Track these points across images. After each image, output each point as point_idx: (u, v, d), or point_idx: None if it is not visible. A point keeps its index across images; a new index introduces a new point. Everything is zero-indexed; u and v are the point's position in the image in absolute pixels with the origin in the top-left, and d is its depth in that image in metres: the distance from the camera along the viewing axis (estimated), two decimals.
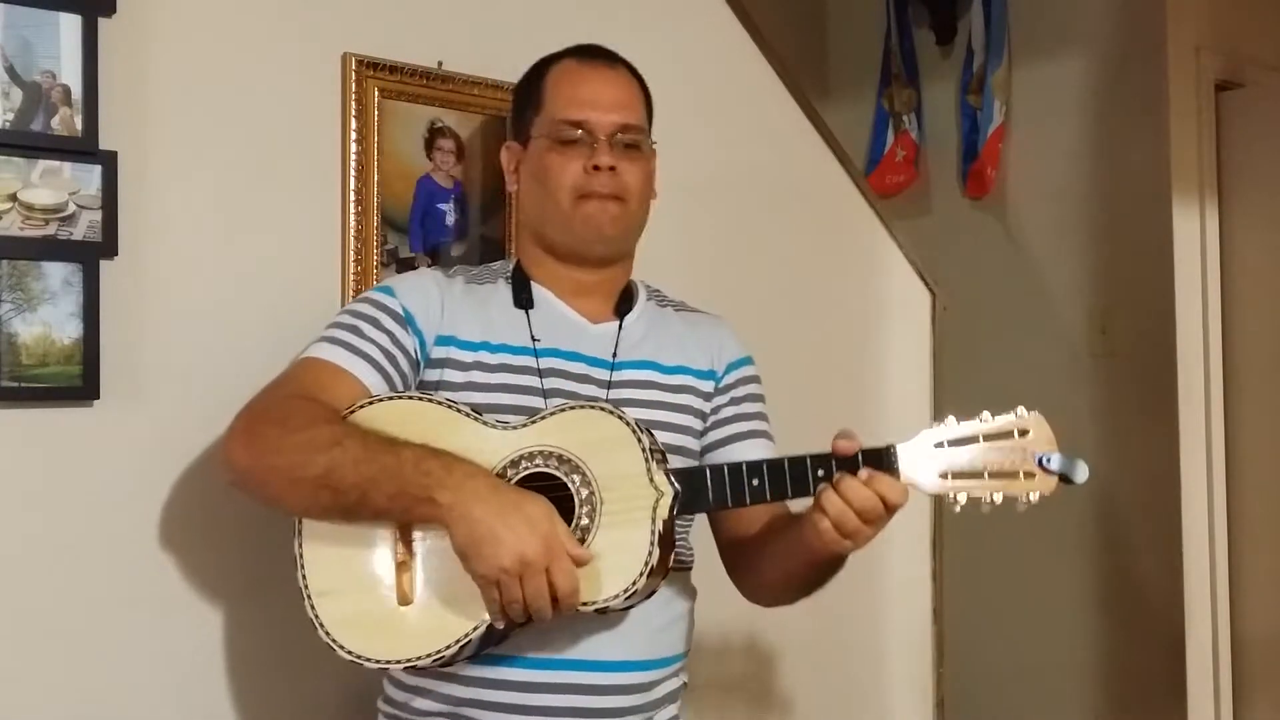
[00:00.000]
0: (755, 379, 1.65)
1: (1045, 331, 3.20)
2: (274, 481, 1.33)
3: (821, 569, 1.48)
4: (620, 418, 1.39)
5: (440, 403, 1.40)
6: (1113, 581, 3.11)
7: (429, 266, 1.54)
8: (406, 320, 1.47)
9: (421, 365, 1.47)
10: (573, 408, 1.41)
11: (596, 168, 1.51)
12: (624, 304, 1.59)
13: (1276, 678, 3.13)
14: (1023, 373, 3.11)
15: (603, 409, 1.40)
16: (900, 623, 2.58)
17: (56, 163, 1.52)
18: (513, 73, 1.84)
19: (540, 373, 1.48)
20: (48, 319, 1.51)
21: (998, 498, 1.38)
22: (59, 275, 1.52)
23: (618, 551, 1.33)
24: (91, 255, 1.54)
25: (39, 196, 1.51)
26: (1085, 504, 3.14)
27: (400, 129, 1.84)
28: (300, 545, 1.36)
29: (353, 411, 1.38)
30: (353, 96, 1.78)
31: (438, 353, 1.47)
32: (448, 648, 1.32)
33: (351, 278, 1.77)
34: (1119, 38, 3.12)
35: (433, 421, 1.37)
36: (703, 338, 1.62)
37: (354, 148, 1.78)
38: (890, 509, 1.34)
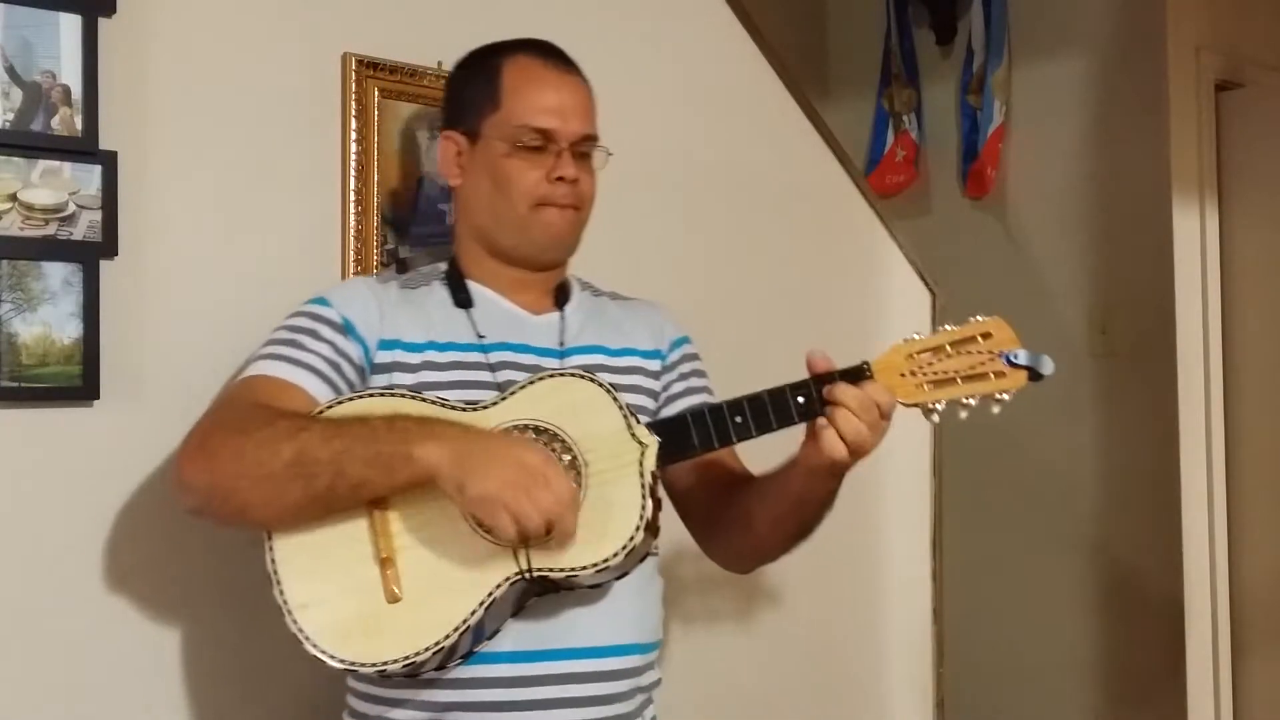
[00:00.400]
0: (697, 356, 1.67)
1: (1045, 331, 3.18)
2: (240, 488, 1.28)
3: (815, 504, 1.46)
4: (592, 380, 1.38)
5: (403, 394, 1.38)
6: (1113, 581, 3.10)
7: (379, 272, 1.53)
8: (346, 328, 1.44)
9: (367, 372, 1.45)
10: (541, 379, 1.40)
11: (561, 179, 1.50)
12: (560, 296, 1.59)
13: (1276, 677, 3.13)
14: None
15: (572, 374, 1.40)
16: (900, 623, 2.58)
17: (56, 163, 1.52)
18: None
19: (491, 367, 1.47)
20: (48, 319, 1.51)
21: (973, 400, 1.40)
22: (59, 275, 1.52)
23: (610, 510, 1.32)
24: (91, 255, 1.54)
25: (39, 196, 1.51)
26: (1085, 504, 3.15)
27: (400, 129, 1.84)
28: (273, 560, 1.31)
29: (318, 414, 1.35)
30: (353, 96, 1.78)
31: (382, 357, 1.45)
32: (446, 637, 1.28)
33: (352, 278, 1.76)
34: (1119, 38, 3.12)
35: (400, 411, 1.35)
36: (642, 319, 1.63)
37: (354, 148, 1.78)
38: (884, 416, 1.36)
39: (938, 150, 3.50)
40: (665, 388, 1.60)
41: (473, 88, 1.55)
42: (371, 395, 1.39)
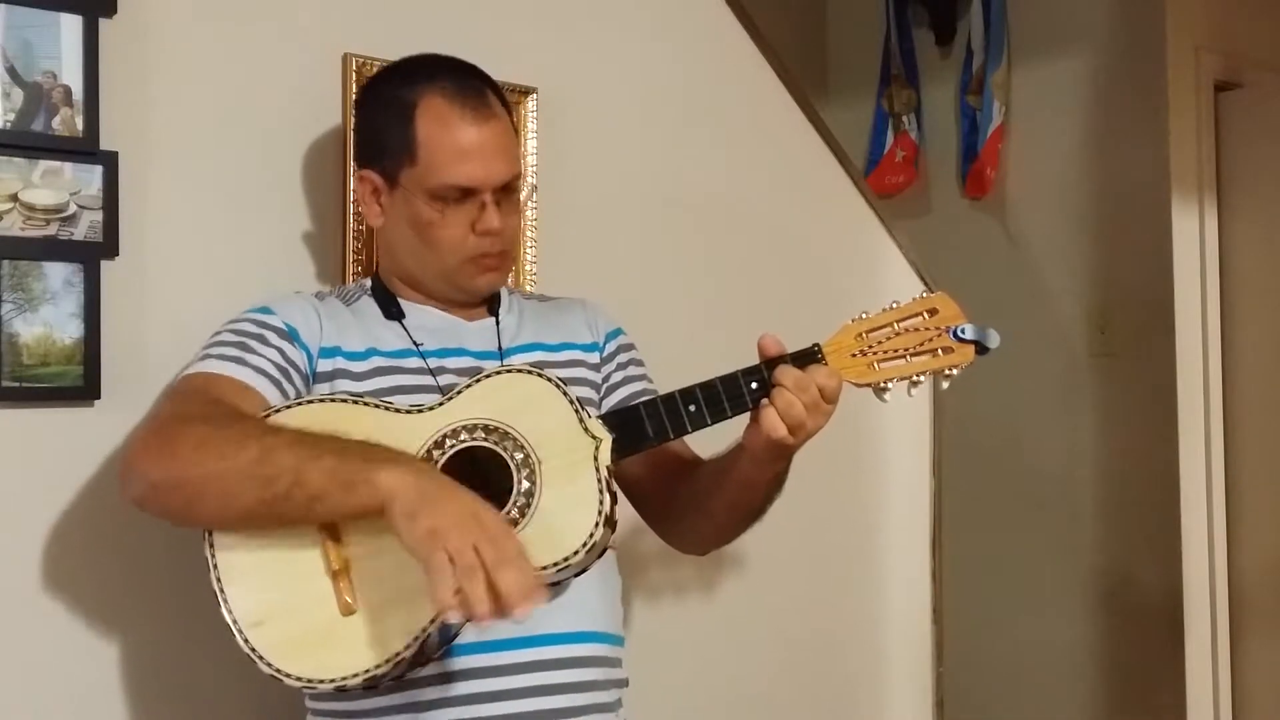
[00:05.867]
0: (633, 346, 1.66)
1: (1045, 331, 3.20)
2: (193, 479, 1.23)
3: (763, 487, 1.46)
4: (540, 375, 1.37)
5: (347, 400, 1.36)
6: (1112, 580, 3.11)
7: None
8: (291, 335, 1.42)
9: (311, 381, 1.42)
10: (487, 376, 1.37)
11: (488, 231, 1.46)
12: (490, 303, 1.57)
13: (1275, 677, 3.13)
14: (1022, 373, 3.12)
15: (519, 370, 1.38)
16: (900, 623, 2.58)
17: (57, 163, 1.52)
18: (514, 74, 1.84)
19: (433, 372, 1.45)
20: (49, 319, 1.51)
21: (922, 377, 1.40)
22: (60, 275, 1.52)
23: (568, 507, 1.30)
24: (92, 255, 1.54)
25: (40, 197, 1.51)
26: (1085, 503, 3.15)
27: None
28: (218, 578, 1.27)
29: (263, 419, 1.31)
30: (353, 96, 1.77)
31: (325, 365, 1.43)
32: (407, 647, 1.24)
33: (352, 278, 1.77)
34: (1119, 38, 3.13)
35: (346, 418, 1.32)
36: (575, 314, 1.62)
37: (354, 148, 1.78)
38: (828, 398, 1.35)
39: (937, 151, 3.51)
40: (605, 379, 1.60)
41: (386, 131, 1.49)
42: (314, 402, 1.36)
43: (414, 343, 1.48)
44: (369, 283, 1.57)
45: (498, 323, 1.55)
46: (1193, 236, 3.12)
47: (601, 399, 1.58)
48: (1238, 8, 3.24)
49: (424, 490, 1.20)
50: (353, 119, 1.60)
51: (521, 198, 1.53)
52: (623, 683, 1.51)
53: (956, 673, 2.71)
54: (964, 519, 2.93)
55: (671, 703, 2.12)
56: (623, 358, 1.62)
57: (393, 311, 1.51)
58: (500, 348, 1.52)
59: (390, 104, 1.50)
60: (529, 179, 1.53)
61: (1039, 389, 3.16)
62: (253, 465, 1.22)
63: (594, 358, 1.59)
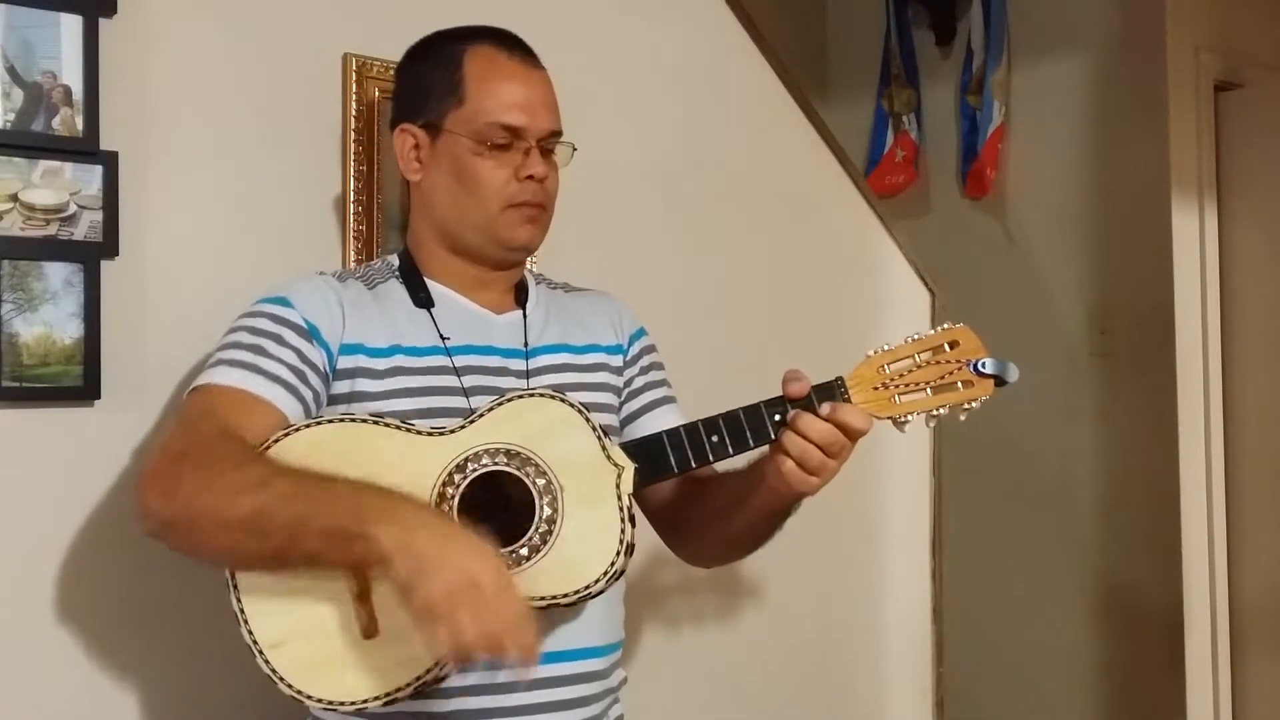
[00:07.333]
0: (654, 348, 1.65)
1: (1045, 331, 3.20)
2: (199, 526, 1.23)
3: (778, 517, 1.46)
4: (563, 400, 1.36)
5: (366, 420, 1.32)
6: (1112, 579, 3.11)
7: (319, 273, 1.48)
8: (311, 333, 1.38)
9: (330, 378, 1.39)
10: (510, 399, 1.36)
11: (530, 177, 1.45)
12: (519, 293, 1.55)
13: (1275, 676, 3.13)
14: (1022, 372, 3.10)
15: (542, 395, 1.36)
16: (900, 623, 2.58)
17: (57, 163, 1.52)
18: None
19: (457, 371, 1.43)
20: (49, 319, 1.51)
21: (943, 410, 1.40)
22: (60, 275, 1.52)
23: (590, 536, 1.30)
24: (92, 255, 1.54)
25: (40, 197, 1.51)
26: (1085, 504, 3.15)
27: None
28: (239, 600, 1.26)
29: (276, 441, 1.29)
30: (353, 96, 1.78)
31: (345, 362, 1.39)
32: (428, 671, 1.24)
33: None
34: (1119, 38, 3.13)
35: (365, 442, 1.30)
36: (602, 313, 1.60)
37: (354, 148, 1.78)
38: (854, 437, 1.36)
39: (937, 151, 3.51)
40: (628, 383, 1.58)
41: (431, 79, 1.49)
42: (333, 421, 1.32)
43: (441, 336, 1.45)
44: (396, 261, 1.53)
45: (524, 317, 1.53)
46: (1193, 236, 3.12)
47: (622, 403, 1.58)
48: (1238, 8, 3.24)
49: (419, 553, 1.16)
50: (393, 82, 1.59)
51: (562, 164, 1.51)
52: (618, 687, 1.51)
53: (956, 673, 2.72)
54: (964, 519, 2.93)
55: (672, 702, 2.12)
56: (645, 361, 1.61)
57: (421, 298, 1.48)
58: (526, 345, 1.50)
59: (436, 55, 1.50)
60: (561, 147, 1.51)
61: (1039, 389, 3.16)
62: (248, 521, 1.20)
63: (617, 360, 1.58)
